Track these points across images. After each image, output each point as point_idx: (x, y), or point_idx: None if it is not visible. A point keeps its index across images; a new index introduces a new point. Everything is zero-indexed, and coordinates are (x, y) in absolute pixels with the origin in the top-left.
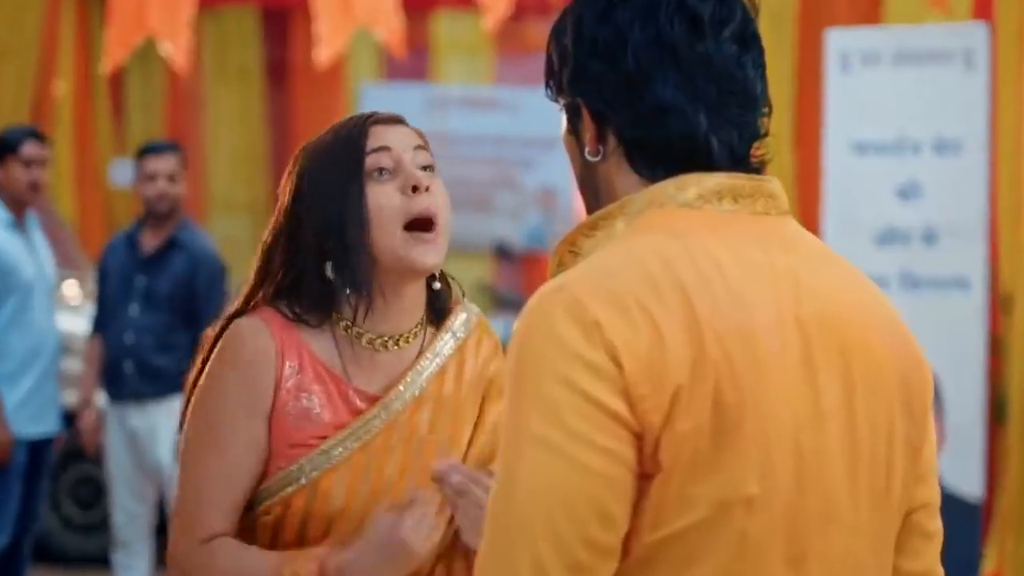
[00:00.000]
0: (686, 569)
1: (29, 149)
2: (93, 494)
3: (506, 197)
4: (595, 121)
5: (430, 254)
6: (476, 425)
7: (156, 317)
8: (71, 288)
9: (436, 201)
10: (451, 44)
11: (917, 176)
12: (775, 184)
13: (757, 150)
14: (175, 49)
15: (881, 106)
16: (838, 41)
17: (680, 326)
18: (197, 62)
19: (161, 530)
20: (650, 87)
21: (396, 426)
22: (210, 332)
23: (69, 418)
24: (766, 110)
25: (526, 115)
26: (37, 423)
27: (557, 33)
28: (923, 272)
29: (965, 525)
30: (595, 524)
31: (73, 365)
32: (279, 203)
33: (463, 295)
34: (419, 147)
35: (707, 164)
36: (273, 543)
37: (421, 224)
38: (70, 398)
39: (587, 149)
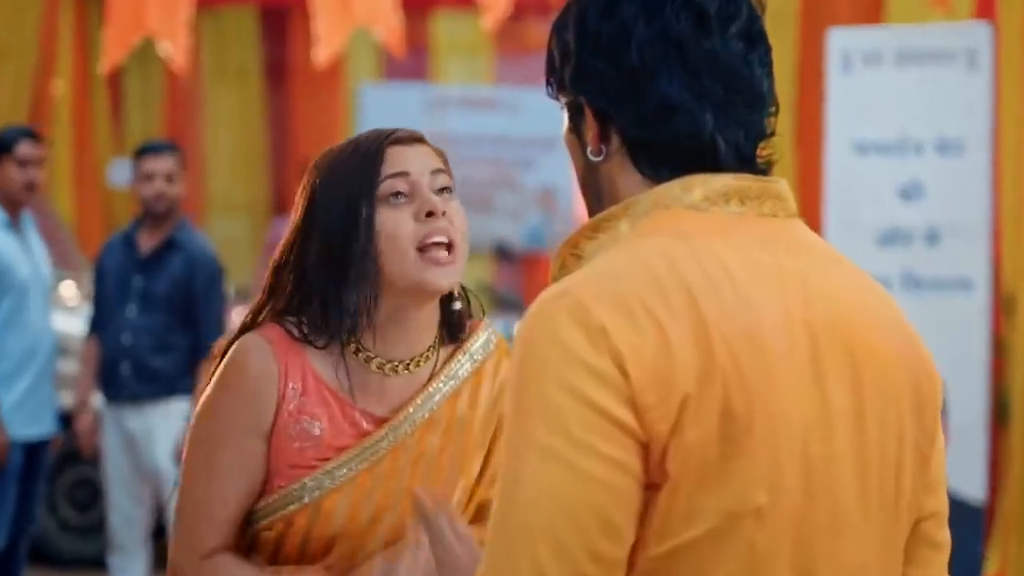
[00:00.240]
0: None
1: (24, 149)
2: (90, 496)
3: (506, 197)
4: (598, 120)
5: (445, 276)
6: (489, 452)
7: (153, 318)
8: (68, 289)
9: (453, 225)
10: (451, 44)
11: (919, 176)
12: (783, 185)
13: (763, 150)
14: (174, 49)
15: (883, 106)
16: (840, 41)
17: (687, 331)
18: (196, 62)
19: (158, 533)
20: (655, 84)
21: (404, 448)
22: (218, 347)
23: (66, 420)
24: (773, 109)
25: (526, 115)
26: (33, 425)
27: (558, 29)
28: (925, 273)
29: (967, 528)
30: (600, 536)
31: (70, 366)
32: (292, 218)
33: (483, 312)
34: (437, 171)
35: (713, 164)
36: (274, 558)
37: (435, 246)
38: (67, 399)
39: (589, 149)
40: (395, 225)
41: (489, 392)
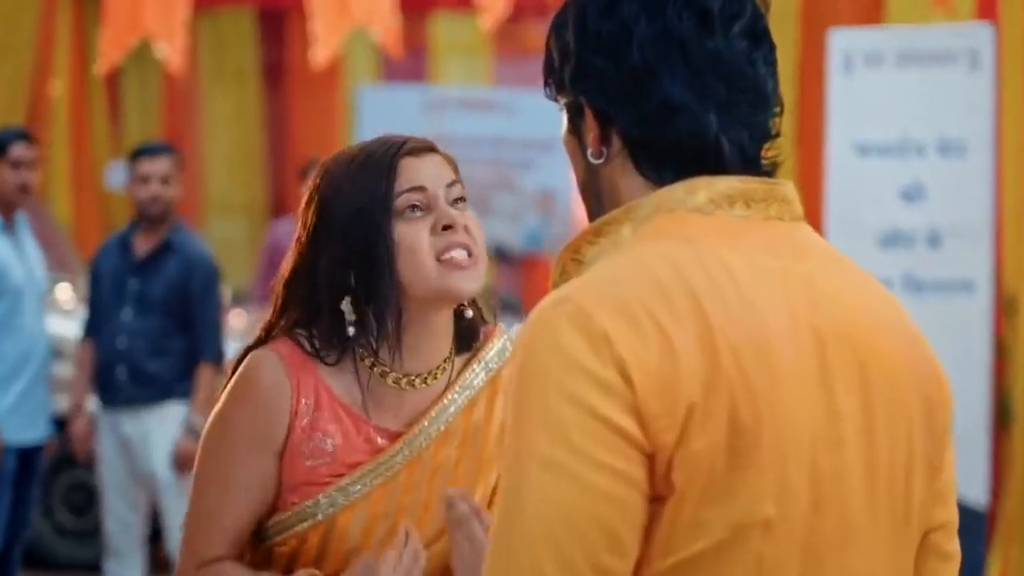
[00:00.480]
0: None
1: (18, 151)
2: (86, 500)
3: (504, 199)
4: (598, 121)
5: (467, 280)
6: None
7: (149, 321)
8: (64, 291)
9: (470, 237)
10: (449, 45)
11: (921, 178)
12: (788, 188)
13: (768, 151)
14: (170, 50)
15: (884, 107)
16: (841, 41)
17: (693, 338)
18: (193, 63)
19: (154, 538)
20: (657, 84)
21: (420, 462)
22: (230, 361)
23: (61, 424)
24: (778, 110)
25: (524, 116)
26: (27, 430)
27: (558, 28)
28: (927, 275)
29: (969, 532)
30: (604, 549)
31: (66, 370)
32: (298, 230)
33: (494, 317)
34: (452, 183)
35: (717, 166)
36: (287, 574)
37: (454, 258)
38: (62, 403)
39: (590, 151)
40: (413, 239)
41: (505, 401)
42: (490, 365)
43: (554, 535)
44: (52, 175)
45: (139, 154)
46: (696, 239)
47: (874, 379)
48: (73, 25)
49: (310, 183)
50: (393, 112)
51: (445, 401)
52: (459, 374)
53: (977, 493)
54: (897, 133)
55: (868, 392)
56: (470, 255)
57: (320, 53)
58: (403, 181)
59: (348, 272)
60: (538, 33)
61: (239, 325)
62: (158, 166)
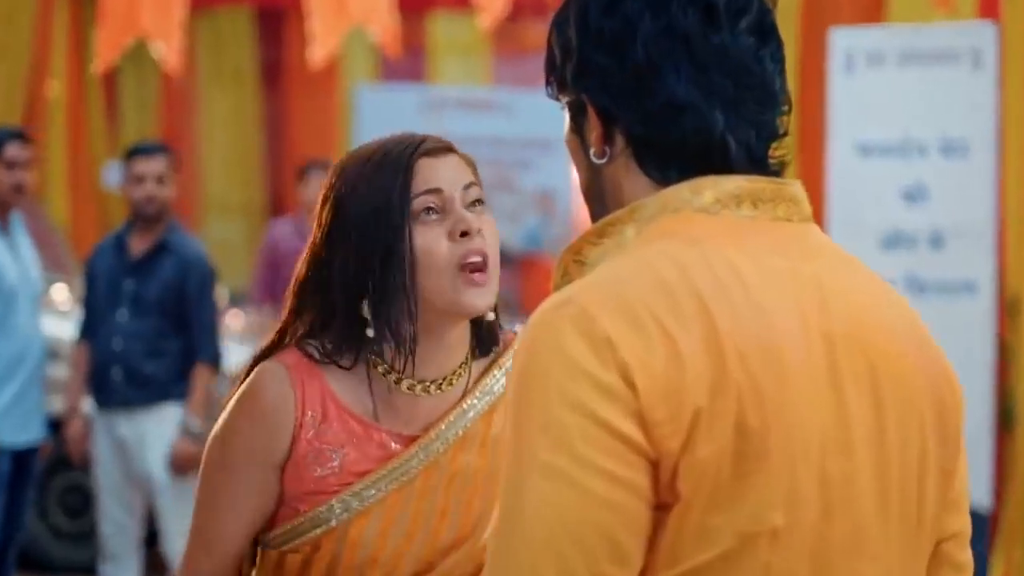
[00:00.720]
0: None
1: (12, 150)
2: (81, 502)
3: (503, 199)
4: (601, 119)
5: (482, 297)
6: None
7: (145, 322)
8: (60, 292)
9: (486, 243)
10: (448, 45)
11: (923, 178)
12: (797, 188)
13: (776, 150)
14: (167, 49)
15: (886, 107)
16: (842, 41)
17: (698, 341)
18: (191, 63)
19: (150, 541)
20: (661, 81)
21: (437, 467)
22: (240, 369)
23: (56, 425)
24: (786, 108)
25: (523, 116)
26: (21, 432)
27: (559, 25)
28: (929, 276)
29: (971, 534)
30: (606, 558)
31: (62, 371)
32: (313, 232)
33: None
34: (469, 184)
35: (723, 166)
36: None
37: (471, 266)
38: (58, 405)
39: (592, 150)
40: (430, 244)
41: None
42: (510, 369)
43: (555, 543)
44: (49, 175)
45: (134, 153)
46: (702, 240)
47: (885, 382)
48: (70, 25)
49: (326, 182)
50: (391, 112)
51: (464, 406)
52: (479, 379)
53: (979, 495)
54: (899, 133)
55: (879, 396)
56: (485, 269)
57: (318, 52)
58: (419, 182)
59: (364, 273)
60: (537, 32)
61: (237, 326)
62: (153, 165)
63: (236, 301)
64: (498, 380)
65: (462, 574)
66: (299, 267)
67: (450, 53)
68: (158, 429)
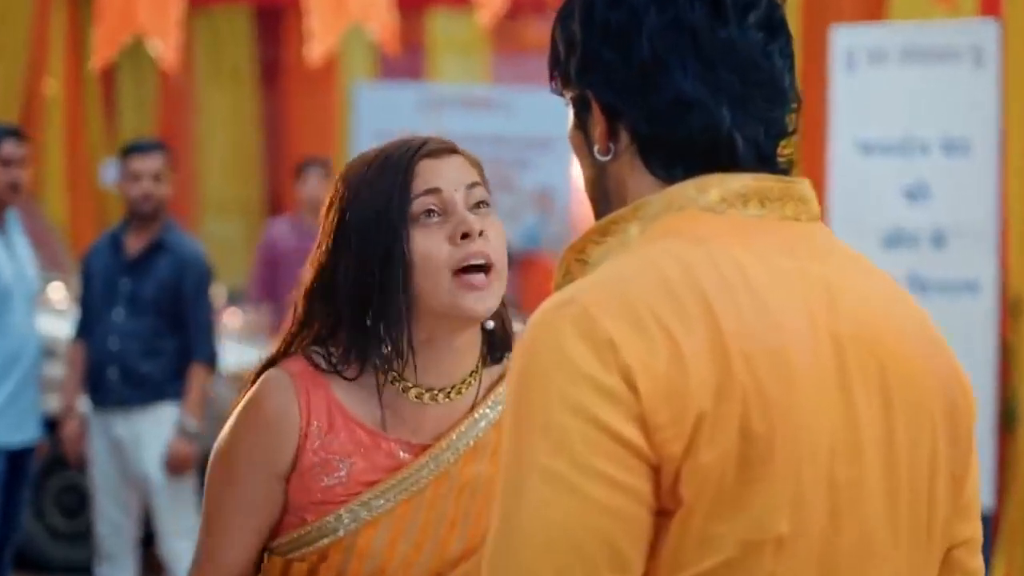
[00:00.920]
0: None
1: (8, 148)
2: (78, 502)
3: (502, 198)
4: (606, 115)
5: (481, 301)
6: None
7: (141, 322)
8: (57, 291)
9: (490, 245)
10: (447, 43)
11: (925, 177)
12: (805, 186)
13: (784, 148)
14: (164, 47)
15: (888, 105)
16: (844, 38)
17: (703, 343)
18: (189, 62)
19: (146, 542)
20: (667, 77)
21: (447, 478)
22: (247, 376)
23: (52, 425)
24: (795, 105)
25: (522, 115)
26: (17, 432)
27: (564, 18)
28: (931, 275)
29: None
30: (607, 566)
31: (58, 370)
32: (319, 240)
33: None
34: (473, 184)
35: (730, 163)
36: None
37: (470, 269)
38: (55, 404)
39: (596, 147)
40: (428, 248)
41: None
42: None
43: (553, 548)
44: (47, 173)
45: (130, 151)
46: (708, 239)
47: (895, 385)
48: (68, 23)
49: (330, 189)
50: (390, 110)
51: (476, 415)
52: (491, 388)
53: (981, 495)
54: (901, 131)
55: (888, 399)
56: (487, 272)
57: (316, 49)
58: (419, 183)
59: (366, 279)
60: (536, 30)
61: (235, 324)
62: (149, 163)
63: (234, 300)
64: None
65: None
66: (305, 275)
67: (449, 51)
68: (154, 429)
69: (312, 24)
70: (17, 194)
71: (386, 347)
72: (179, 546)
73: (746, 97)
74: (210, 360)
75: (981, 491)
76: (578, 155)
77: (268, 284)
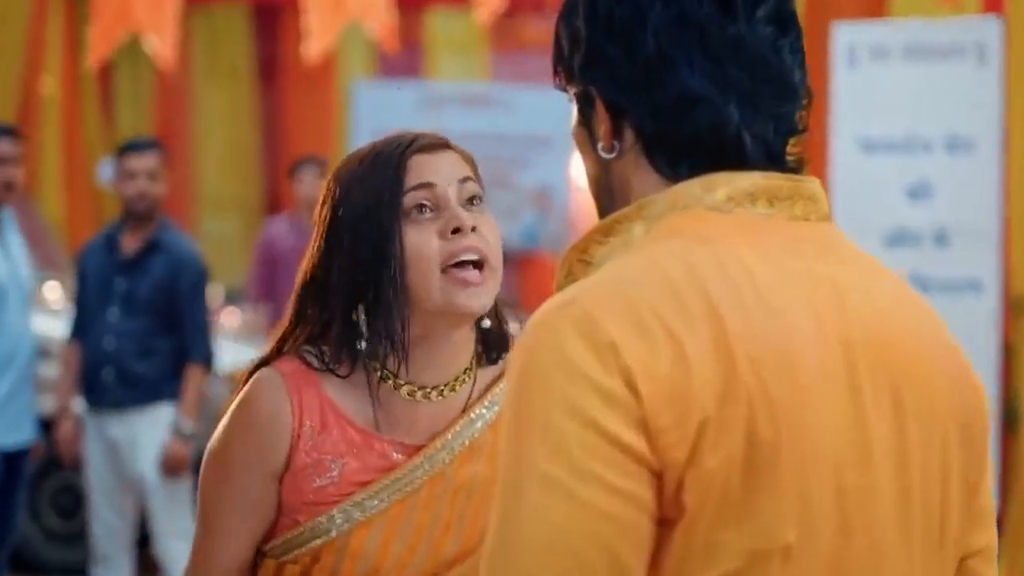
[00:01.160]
0: None
1: (2, 147)
2: (73, 503)
3: (501, 196)
4: (610, 112)
5: (474, 297)
6: None
7: (136, 322)
8: (52, 290)
9: (483, 240)
10: (445, 41)
11: (928, 175)
12: (815, 185)
13: (794, 147)
14: (161, 44)
15: (890, 102)
16: (846, 35)
17: (707, 345)
18: (187, 60)
19: (142, 544)
20: (673, 73)
21: (442, 478)
22: (239, 376)
23: (48, 426)
24: (805, 102)
25: (521, 113)
26: (11, 433)
27: (567, 13)
28: (934, 274)
29: None
30: (605, 572)
31: (54, 371)
32: (312, 239)
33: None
34: (465, 179)
35: (738, 162)
36: None
37: (465, 264)
38: (50, 405)
39: (601, 144)
40: (419, 244)
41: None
42: None
43: (551, 552)
44: (44, 172)
45: (126, 149)
46: (713, 239)
47: (906, 390)
48: (65, 21)
49: (324, 187)
50: (388, 108)
51: (472, 415)
52: (487, 388)
53: None
54: (903, 129)
55: (900, 404)
56: (481, 268)
57: (313, 47)
58: (411, 178)
59: (358, 276)
60: (535, 28)
61: (232, 324)
62: (145, 161)
63: (232, 299)
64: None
65: None
66: (299, 274)
67: (448, 49)
68: (150, 430)
69: (310, 22)
70: (11, 193)
71: (378, 344)
72: (175, 547)
73: (755, 94)
74: (206, 360)
75: None
76: (582, 152)
77: (266, 283)
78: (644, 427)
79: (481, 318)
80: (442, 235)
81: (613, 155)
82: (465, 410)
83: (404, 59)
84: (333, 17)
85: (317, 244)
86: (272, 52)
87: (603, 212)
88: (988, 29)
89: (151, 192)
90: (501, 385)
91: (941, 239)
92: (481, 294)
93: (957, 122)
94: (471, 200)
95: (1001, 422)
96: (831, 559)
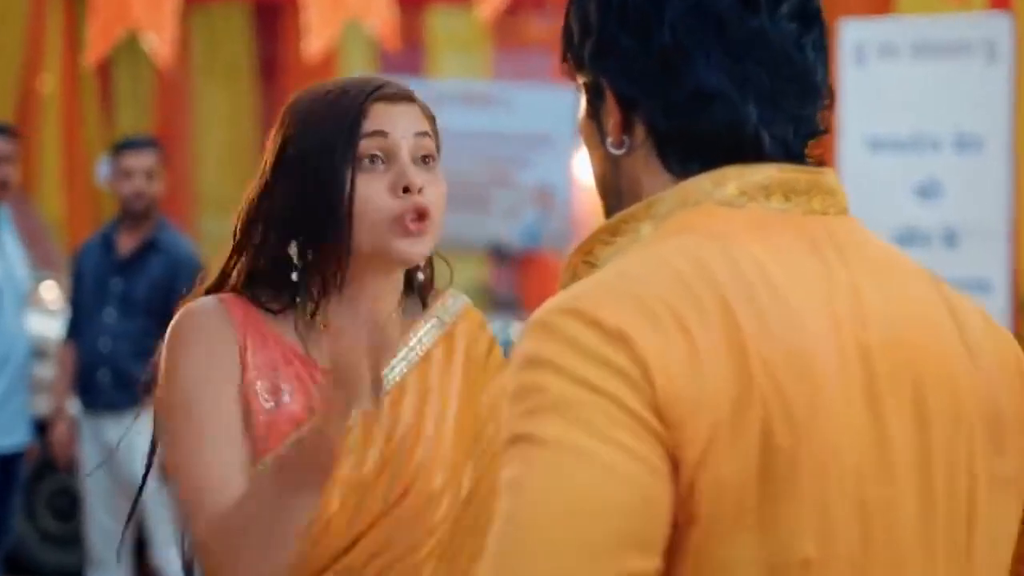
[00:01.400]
0: None
1: None
2: (70, 506)
3: (501, 194)
4: (621, 106)
5: (416, 246)
6: (464, 408)
7: (133, 323)
8: (49, 290)
9: (429, 200)
10: (447, 39)
11: (936, 174)
12: (832, 177)
13: (814, 148)
14: (159, 42)
15: (898, 101)
16: (853, 32)
17: (722, 345)
18: (186, 58)
19: (139, 548)
20: (689, 68)
21: (374, 417)
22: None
23: (43, 427)
24: (827, 101)
25: (522, 111)
26: (6, 436)
27: None
28: (943, 274)
29: None
30: (628, 540)
31: (50, 372)
32: (262, 163)
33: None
34: (421, 133)
35: (755, 162)
36: None
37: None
38: (45, 406)
39: (609, 139)
40: (369, 195)
41: (461, 356)
42: (444, 319)
43: (573, 519)
44: (43, 170)
45: (122, 147)
46: (725, 235)
47: (930, 394)
48: (64, 19)
49: (280, 115)
50: None
51: (397, 354)
52: (409, 329)
53: None
54: (912, 128)
55: (923, 412)
56: (424, 219)
57: (314, 45)
58: (368, 124)
59: (301, 214)
60: (537, 26)
61: None
62: (142, 160)
63: None
64: (428, 331)
65: (405, 539)
66: (243, 206)
67: (449, 47)
68: (147, 434)
69: (310, 19)
70: (6, 191)
71: (312, 280)
72: (172, 553)
73: (776, 93)
74: None
75: None
76: (589, 147)
77: None
78: (659, 413)
79: (416, 270)
80: (392, 190)
81: (622, 151)
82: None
83: (405, 57)
84: (333, 15)
85: (265, 178)
86: (272, 50)
87: (610, 211)
88: (997, 26)
89: (148, 191)
90: (424, 324)
91: (950, 239)
92: (421, 243)
93: (966, 120)
94: (424, 159)
95: None
96: (851, 572)
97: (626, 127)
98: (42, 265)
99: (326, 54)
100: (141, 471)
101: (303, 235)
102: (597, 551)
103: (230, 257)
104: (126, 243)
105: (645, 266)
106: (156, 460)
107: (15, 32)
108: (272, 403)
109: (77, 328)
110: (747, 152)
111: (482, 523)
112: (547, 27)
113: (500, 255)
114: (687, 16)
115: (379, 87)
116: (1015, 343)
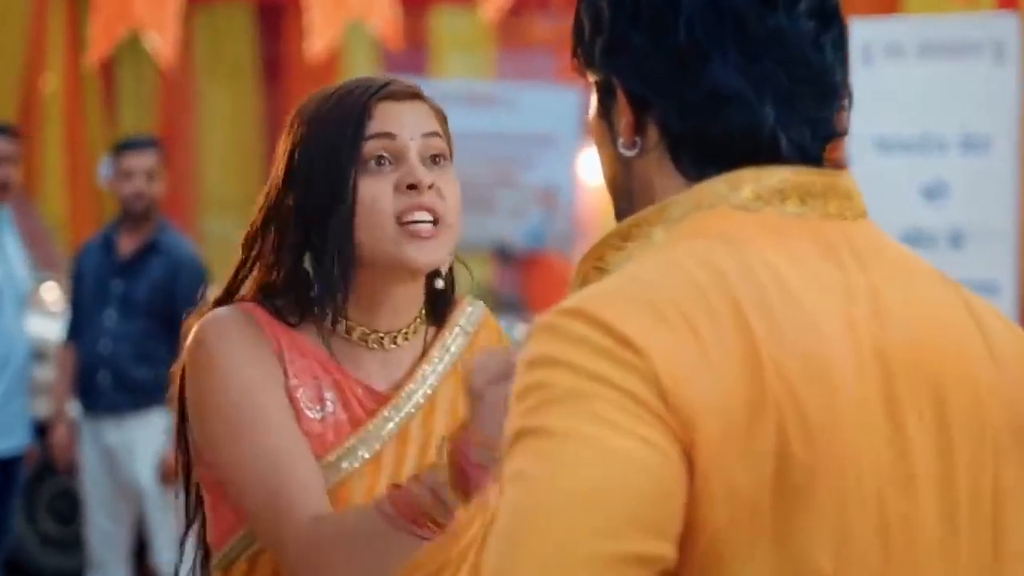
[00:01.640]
0: None
1: None
2: (70, 508)
3: (505, 195)
4: (633, 106)
5: (426, 252)
6: None
7: (134, 325)
8: (50, 291)
9: (440, 200)
10: (451, 39)
11: (943, 175)
12: (849, 180)
13: (833, 152)
14: (162, 41)
15: (905, 101)
16: (860, 32)
17: (735, 351)
18: (190, 58)
19: (139, 552)
20: (705, 67)
21: (410, 431)
22: (188, 327)
23: (43, 430)
24: (846, 103)
25: (527, 111)
26: (5, 438)
27: None
28: (949, 276)
29: None
30: (641, 527)
31: (50, 374)
32: (271, 175)
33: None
34: (430, 134)
35: (770, 164)
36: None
37: (415, 221)
38: (45, 409)
39: (621, 140)
40: (374, 196)
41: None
42: (467, 329)
43: (587, 504)
44: (46, 171)
45: (123, 147)
46: (739, 239)
47: (954, 409)
48: (67, 19)
49: (288, 123)
50: None
51: (426, 367)
52: (436, 339)
53: None
54: (919, 128)
55: (943, 418)
56: (435, 223)
57: (317, 45)
58: (373, 125)
59: (311, 222)
60: (541, 26)
61: None
62: (143, 160)
63: None
64: (455, 339)
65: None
66: (255, 217)
67: (453, 47)
68: (147, 436)
69: (313, 19)
70: (7, 192)
71: (324, 290)
72: (173, 555)
73: (793, 94)
74: None
75: None
76: (599, 148)
77: None
78: (673, 412)
79: (435, 277)
80: (398, 188)
81: (634, 152)
82: (420, 360)
83: (409, 57)
84: (336, 15)
85: (276, 186)
86: (275, 50)
87: (621, 215)
88: (1005, 26)
89: (148, 192)
90: (450, 333)
91: (957, 240)
92: (432, 250)
93: (973, 121)
94: (435, 159)
95: None
96: None
97: (638, 128)
98: (43, 266)
99: (329, 54)
100: (141, 475)
101: (315, 243)
102: (607, 534)
103: (240, 267)
104: (127, 244)
105: (656, 270)
106: (157, 462)
107: (17, 32)
108: (317, 412)
109: (77, 330)
110: (763, 155)
111: None
112: (551, 27)
113: (504, 255)
114: (704, 13)
115: (384, 86)
116: None
